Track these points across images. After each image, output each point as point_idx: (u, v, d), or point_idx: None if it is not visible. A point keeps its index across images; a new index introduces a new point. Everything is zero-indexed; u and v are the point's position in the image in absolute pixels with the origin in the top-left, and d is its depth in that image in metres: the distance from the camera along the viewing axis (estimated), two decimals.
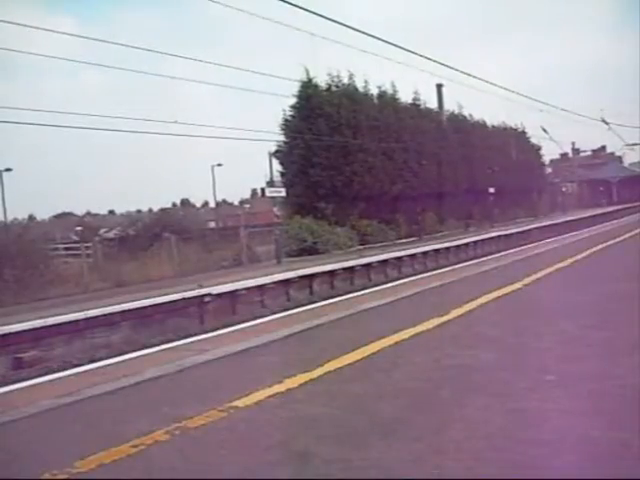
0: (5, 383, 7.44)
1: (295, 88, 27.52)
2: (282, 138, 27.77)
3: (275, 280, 17.38)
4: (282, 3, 11.55)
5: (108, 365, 6.42)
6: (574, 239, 20.09)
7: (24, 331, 11.44)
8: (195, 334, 9.45)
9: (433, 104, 36.60)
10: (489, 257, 17.23)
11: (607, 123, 44.40)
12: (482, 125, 40.98)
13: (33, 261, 18.88)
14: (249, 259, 22.85)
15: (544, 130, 44.07)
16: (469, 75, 24.80)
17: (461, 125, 37.80)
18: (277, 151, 28.31)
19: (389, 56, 23.61)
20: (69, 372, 6.52)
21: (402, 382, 4.75)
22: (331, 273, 19.82)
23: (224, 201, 75.86)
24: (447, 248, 26.43)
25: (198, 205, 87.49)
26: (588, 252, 14.41)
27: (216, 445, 3.67)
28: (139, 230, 31.14)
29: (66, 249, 27.68)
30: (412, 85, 39.73)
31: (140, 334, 13.25)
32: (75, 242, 30.80)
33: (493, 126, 42.65)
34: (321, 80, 28.29)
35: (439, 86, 37.17)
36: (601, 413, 3.77)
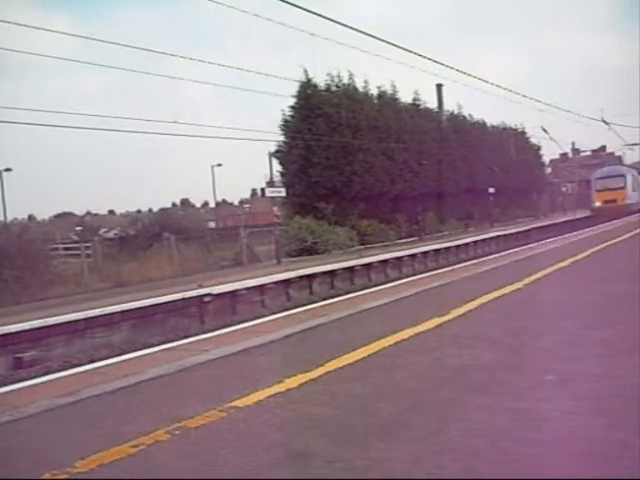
0: (5, 383, 7.44)
1: (295, 88, 27.56)
2: (282, 138, 27.79)
3: (275, 280, 17.39)
4: (283, 4, 11.55)
5: (108, 365, 6.42)
6: (574, 239, 20.09)
7: (24, 331, 11.44)
8: (195, 334, 9.46)
9: (433, 104, 36.63)
10: (489, 257, 17.24)
11: (607, 123, 44.42)
12: (482, 125, 41.00)
13: (33, 261, 18.88)
14: (249, 259, 22.85)
15: (544, 130, 44.05)
16: (469, 75, 24.82)
17: (461, 125, 37.81)
18: (277, 151, 28.34)
19: (389, 56, 23.63)
20: (69, 372, 6.52)
21: (402, 382, 4.76)
22: (331, 273, 19.83)
23: (224, 201, 75.98)
24: (447, 248, 26.47)
25: (198, 205, 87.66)
26: (588, 252, 14.41)
27: (216, 445, 3.67)
28: (139, 230, 31.17)
29: (66, 249, 27.67)
30: (412, 85, 39.86)
31: (140, 334, 13.26)
32: (75, 242, 30.79)
33: (493, 126, 42.69)
34: (321, 80, 28.32)
35: (439, 86, 37.19)
36: (601, 413, 3.77)
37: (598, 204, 42.32)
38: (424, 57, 18.44)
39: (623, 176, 43.03)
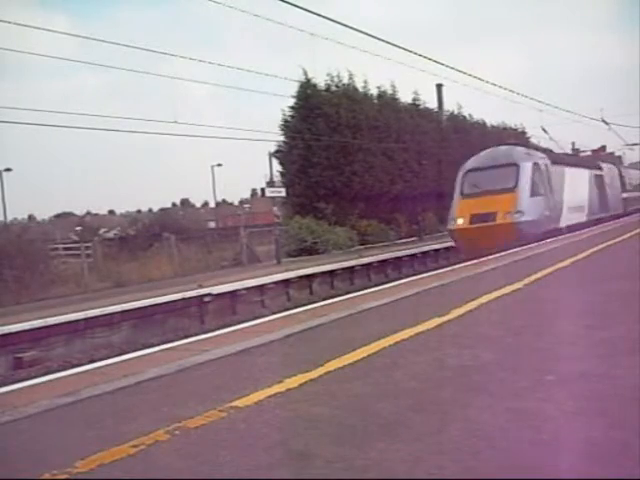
0: (5, 383, 7.44)
1: (295, 88, 27.61)
2: (282, 138, 27.84)
3: (275, 280, 17.41)
4: (283, 4, 11.55)
5: (108, 365, 6.41)
6: (575, 239, 20.08)
7: (24, 331, 11.45)
8: (195, 334, 9.45)
9: (433, 104, 36.65)
10: (489, 257, 17.23)
11: (607, 123, 44.30)
12: (481, 125, 41.04)
13: (33, 261, 18.93)
14: (249, 259, 22.89)
15: (544, 130, 43.96)
16: (469, 75, 24.83)
17: (461, 125, 37.84)
18: (277, 151, 28.38)
19: (389, 56, 23.64)
20: (69, 372, 6.51)
21: (402, 382, 4.75)
22: (331, 273, 19.85)
23: (224, 201, 76.06)
24: (447, 248, 26.47)
25: (198, 205, 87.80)
26: (588, 252, 14.41)
27: (216, 445, 3.67)
28: (139, 230, 31.20)
29: (66, 249, 27.72)
30: (412, 85, 39.95)
31: (140, 334, 13.27)
32: (75, 242, 30.82)
33: (493, 126, 42.73)
34: (321, 80, 28.37)
35: (439, 86, 37.20)
36: (602, 413, 3.77)
37: (460, 222, 21.39)
38: (424, 57, 18.44)
39: (515, 166, 21.53)
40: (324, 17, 13.18)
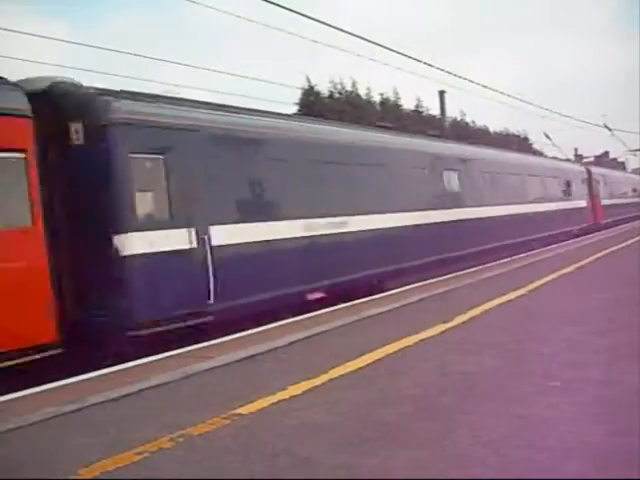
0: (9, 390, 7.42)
1: (297, 95, 27.62)
2: None
3: None
4: (285, 11, 11.59)
5: (112, 372, 6.40)
6: (579, 245, 20.04)
7: None
8: (199, 341, 9.42)
9: (436, 110, 36.70)
10: (492, 264, 17.20)
11: (610, 129, 44.23)
12: (484, 131, 41.05)
13: None
14: None
15: (547, 136, 43.95)
16: (472, 82, 24.81)
17: (464, 132, 37.84)
18: None
19: (392, 63, 23.68)
20: (73, 379, 6.50)
21: (406, 389, 4.75)
22: None
23: None
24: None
25: None
26: (592, 258, 14.38)
27: (220, 452, 3.67)
28: None
29: None
30: (415, 92, 40.04)
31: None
32: None
33: (495, 132, 42.75)
34: (323, 87, 28.39)
35: (441, 93, 37.24)
36: (605, 419, 3.76)
37: None
38: (427, 64, 18.41)
39: None
40: (328, 25, 13.21)
